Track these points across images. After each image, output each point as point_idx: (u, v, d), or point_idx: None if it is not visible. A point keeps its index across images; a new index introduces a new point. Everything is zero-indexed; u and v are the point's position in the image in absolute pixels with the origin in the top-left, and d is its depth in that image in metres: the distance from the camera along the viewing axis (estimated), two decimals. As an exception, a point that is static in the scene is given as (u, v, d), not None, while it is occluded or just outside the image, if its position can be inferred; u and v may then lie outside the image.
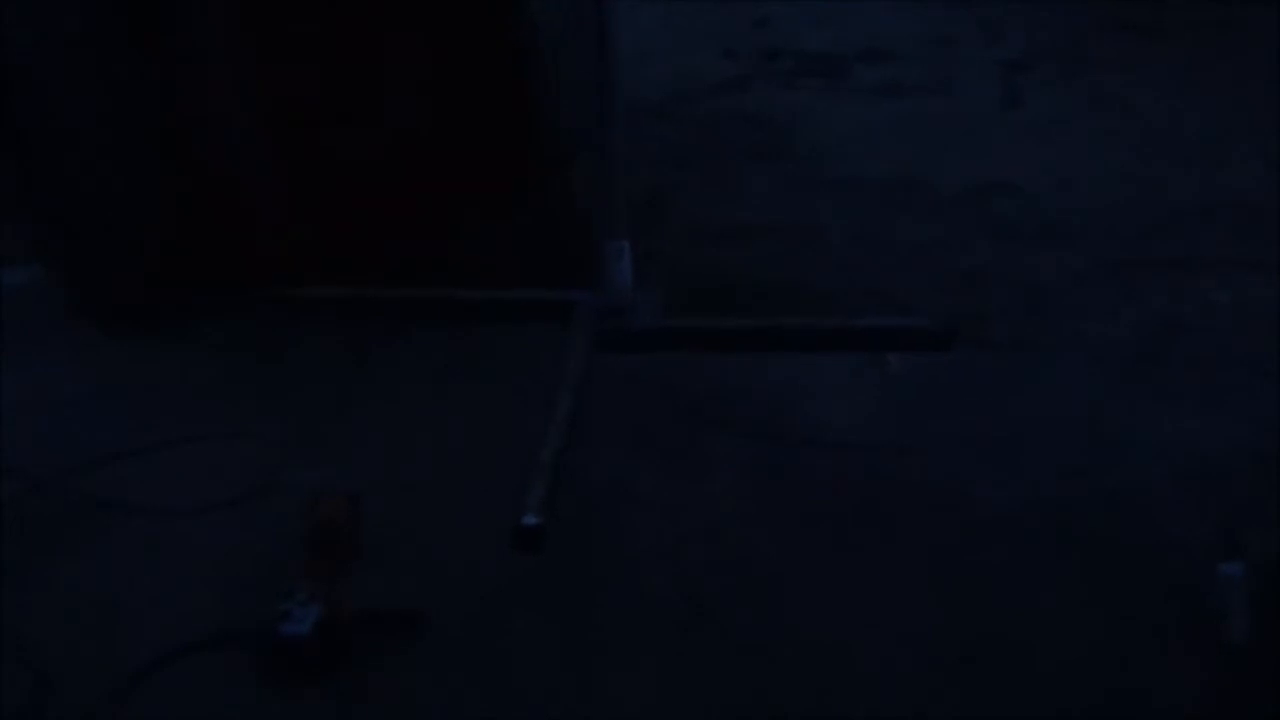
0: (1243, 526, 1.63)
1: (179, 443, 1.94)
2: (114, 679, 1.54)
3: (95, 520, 1.80)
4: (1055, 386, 1.96)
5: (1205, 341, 2.02)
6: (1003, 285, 2.21)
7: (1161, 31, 3.02)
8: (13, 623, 1.64)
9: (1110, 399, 1.92)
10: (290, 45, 2.07)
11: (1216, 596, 1.54)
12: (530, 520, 1.69)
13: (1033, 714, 1.46)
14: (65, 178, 2.12)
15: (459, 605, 1.63)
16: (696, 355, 2.06)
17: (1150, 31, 3.03)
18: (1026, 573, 1.63)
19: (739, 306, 2.18)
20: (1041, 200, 2.45)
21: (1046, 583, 1.62)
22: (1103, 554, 1.65)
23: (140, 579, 1.71)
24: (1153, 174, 2.49)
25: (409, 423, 1.97)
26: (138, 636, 1.60)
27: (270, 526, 1.76)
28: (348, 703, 1.52)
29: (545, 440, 1.83)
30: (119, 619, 1.64)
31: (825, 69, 3.02)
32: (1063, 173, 2.53)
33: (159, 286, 2.21)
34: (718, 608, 1.61)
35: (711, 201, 2.51)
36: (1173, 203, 2.39)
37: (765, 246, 2.36)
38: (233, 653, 1.57)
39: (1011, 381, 1.97)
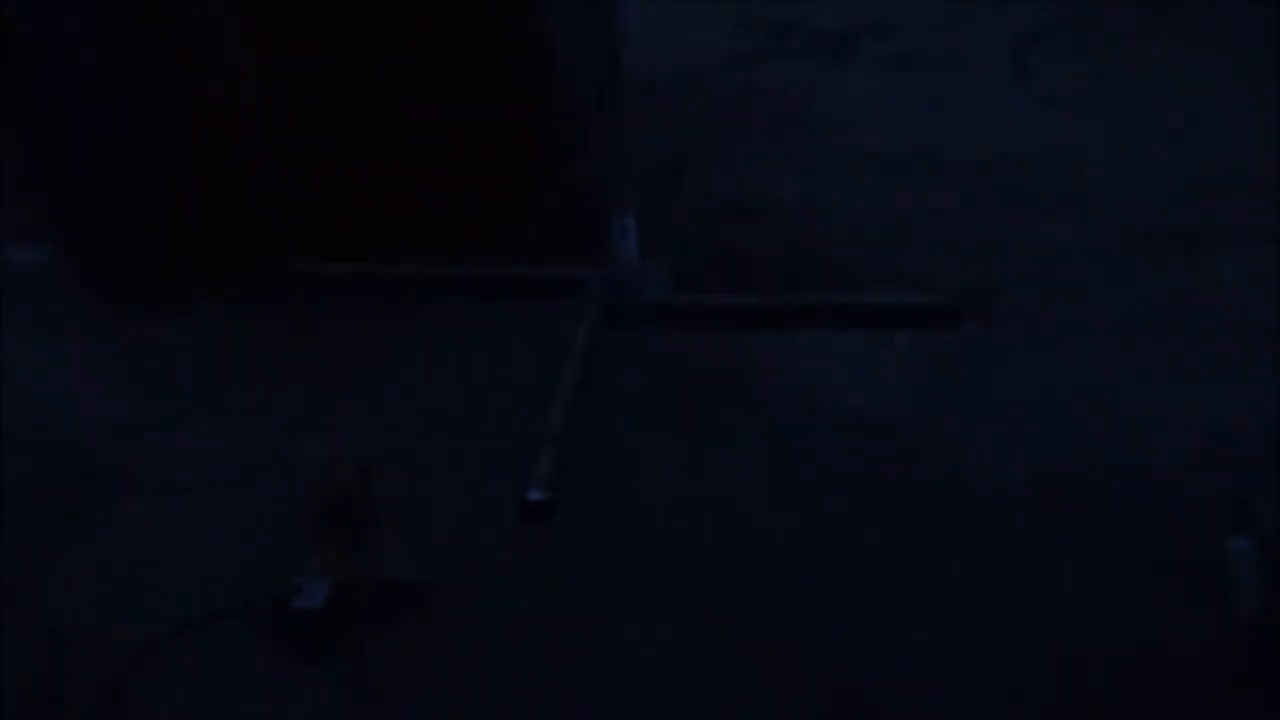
0: (1254, 499, 1.62)
1: (192, 417, 1.95)
2: (129, 650, 1.56)
3: (110, 494, 1.81)
4: (1068, 359, 1.95)
5: (1217, 315, 2.01)
6: (1015, 258, 2.20)
7: (1171, 5, 2.99)
8: (30, 594, 1.65)
9: (1122, 372, 1.91)
10: (303, 21, 2.07)
11: (1226, 570, 1.54)
12: (535, 495, 1.70)
13: (1040, 681, 1.46)
14: (77, 153, 2.13)
15: (471, 576, 1.64)
16: (708, 330, 2.06)
17: (1159, 5, 3.00)
18: (1037, 545, 1.63)
19: (750, 281, 2.18)
20: (1053, 173, 2.44)
21: (1057, 554, 1.62)
22: (1114, 526, 1.65)
23: (155, 552, 1.72)
24: (1165, 146, 2.48)
25: (420, 396, 1.98)
26: (153, 608, 1.62)
27: (283, 498, 1.77)
28: (360, 673, 1.53)
29: (553, 415, 1.84)
30: (134, 591, 1.66)
31: (836, 43, 3.01)
32: (1074, 145, 2.51)
33: (171, 262, 2.23)
34: (729, 579, 1.62)
35: (723, 176, 2.51)
36: (1185, 175, 2.38)
37: (777, 220, 2.35)
38: (246, 625, 1.58)
39: (1024, 355, 1.97)
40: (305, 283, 2.20)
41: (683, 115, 2.72)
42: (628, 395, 1.95)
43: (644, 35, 2.18)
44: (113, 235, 2.20)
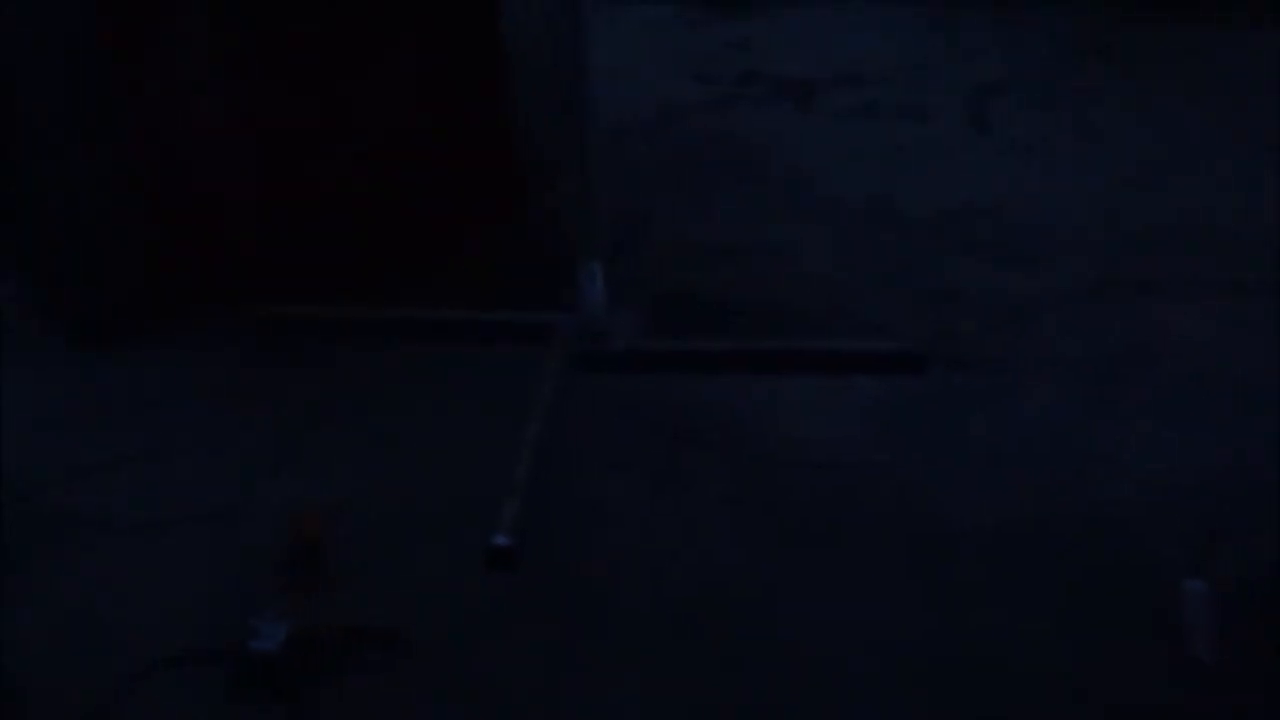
0: (1211, 545, 1.64)
1: (153, 458, 1.93)
2: (86, 695, 1.52)
3: (67, 535, 1.79)
4: (1028, 406, 1.98)
5: (1171, 363, 2.05)
6: (976, 305, 2.23)
7: (1129, 58, 3.07)
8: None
9: (1081, 418, 1.94)
10: (272, 63, 2.08)
11: (1184, 614, 1.56)
12: (501, 540, 1.69)
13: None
14: (40, 190, 2.11)
15: (435, 622, 1.63)
16: (675, 376, 2.07)
17: (1118, 58, 3.07)
18: (1001, 589, 1.65)
19: (717, 327, 2.20)
20: (1013, 222, 2.48)
21: (1021, 598, 1.63)
22: (1075, 571, 1.67)
23: (113, 594, 1.70)
24: (1121, 197, 2.53)
25: (386, 440, 1.97)
26: (110, 653, 1.59)
27: (244, 541, 1.75)
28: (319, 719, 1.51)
29: (520, 459, 1.83)
30: (91, 635, 1.63)
31: (801, 92, 3.05)
32: (1032, 196, 2.56)
33: (134, 300, 2.21)
34: (697, 624, 1.62)
35: (688, 222, 2.53)
36: (1140, 226, 2.43)
37: (742, 267, 2.37)
38: (204, 669, 1.56)
39: (985, 401, 1.99)
40: (271, 325, 2.19)
41: (649, 162, 2.75)
42: (594, 440, 1.95)
43: (609, 82, 2.20)
44: (74, 273, 2.18)
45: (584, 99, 1.94)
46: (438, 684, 1.55)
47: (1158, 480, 1.80)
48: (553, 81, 1.99)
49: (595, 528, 1.79)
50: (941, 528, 1.75)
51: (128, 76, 2.06)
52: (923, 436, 1.93)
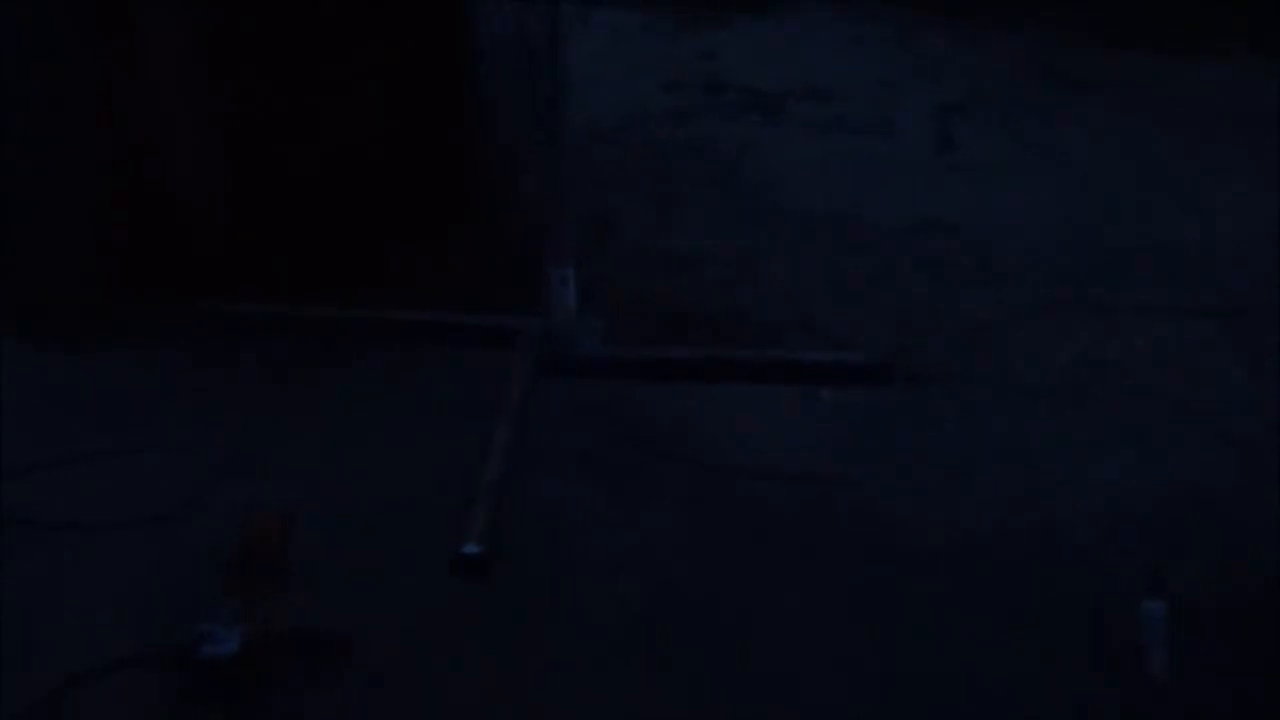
0: (1165, 563, 1.67)
1: (106, 456, 1.90)
2: (28, 700, 1.49)
3: (12, 536, 1.75)
4: (986, 423, 2.00)
5: (1129, 383, 2.08)
6: (936, 322, 2.25)
7: (1095, 83, 3.12)
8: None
9: (1039, 436, 1.96)
10: (240, 58, 2.06)
11: (1138, 632, 1.57)
12: (471, 549, 1.68)
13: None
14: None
15: (392, 629, 1.61)
16: (639, 383, 2.07)
17: (1083, 82, 3.12)
18: (955, 605, 1.66)
19: (681, 335, 2.20)
20: (974, 240, 2.50)
21: (975, 615, 1.64)
22: (1030, 589, 1.68)
23: (61, 596, 1.67)
24: (1081, 219, 2.56)
25: (347, 443, 1.95)
26: (54, 656, 1.56)
27: (198, 544, 1.72)
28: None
29: (486, 466, 1.82)
30: (35, 638, 1.60)
31: (769, 105, 3.07)
32: (995, 214, 2.59)
33: (91, 295, 2.17)
34: (656, 635, 1.62)
35: (655, 230, 2.53)
36: (1100, 248, 2.46)
37: (707, 276, 2.38)
38: (152, 674, 1.53)
39: (944, 417, 2.01)
40: (230, 323, 2.16)
41: (615, 169, 2.75)
42: (559, 447, 1.94)
43: (580, 88, 2.21)
44: (29, 266, 2.14)
45: (555, 103, 1.94)
46: (390, 693, 1.53)
47: (1111, 499, 1.82)
48: (523, 84, 1.99)
49: (555, 535, 1.78)
50: (899, 542, 1.76)
51: (93, 68, 2.03)
52: (882, 451, 1.94)
